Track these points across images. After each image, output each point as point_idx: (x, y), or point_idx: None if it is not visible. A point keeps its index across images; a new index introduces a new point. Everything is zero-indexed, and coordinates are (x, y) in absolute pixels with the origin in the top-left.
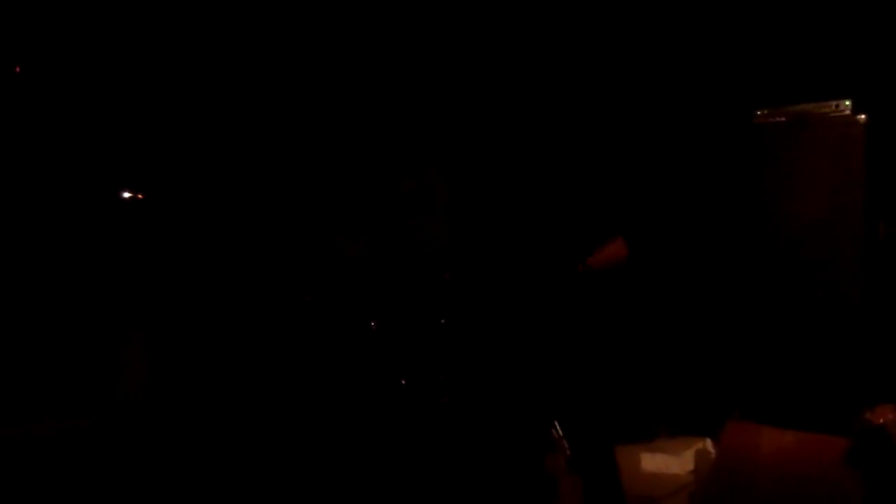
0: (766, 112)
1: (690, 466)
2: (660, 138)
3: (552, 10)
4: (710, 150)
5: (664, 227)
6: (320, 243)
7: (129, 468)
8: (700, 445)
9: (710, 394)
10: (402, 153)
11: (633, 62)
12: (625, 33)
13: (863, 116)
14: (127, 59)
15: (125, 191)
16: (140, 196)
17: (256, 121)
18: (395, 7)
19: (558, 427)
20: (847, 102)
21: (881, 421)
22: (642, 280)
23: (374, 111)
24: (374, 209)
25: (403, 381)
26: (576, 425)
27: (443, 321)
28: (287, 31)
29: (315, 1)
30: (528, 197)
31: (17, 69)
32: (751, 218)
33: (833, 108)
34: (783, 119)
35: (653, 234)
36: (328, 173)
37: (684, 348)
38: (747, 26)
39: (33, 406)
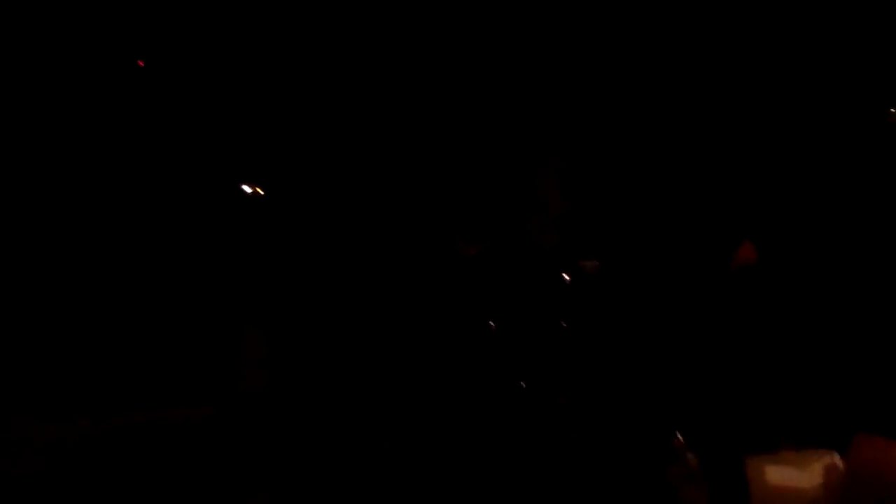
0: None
1: (818, 481)
2: (791, 138)
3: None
4: (844, 151)
5: (796, 231)
6: (439, 243)
7: (250, 458)
8: (828, 459)
9: (837, 405)
10: (515, 153)
11: (766, 61)
12: (760, 31)
13: None
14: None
15: (248, 184)
16: (261, 190)
17: (379, 119)
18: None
19: (681, 436)
20: None
21: None
22: (771, 286)
23: (489, 111)
24: (491, 210)
25: (523, 384)
26: (702, 434)
27: (565, 324)
28: (414, 31)
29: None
30: (650, 198)
31: (141, 63)
32: (888, 223)
33: None
34: None
35: (784, 239)
36: (445, 174)
37: (812, 357)
38: (885, 20)
39: (157, 394)
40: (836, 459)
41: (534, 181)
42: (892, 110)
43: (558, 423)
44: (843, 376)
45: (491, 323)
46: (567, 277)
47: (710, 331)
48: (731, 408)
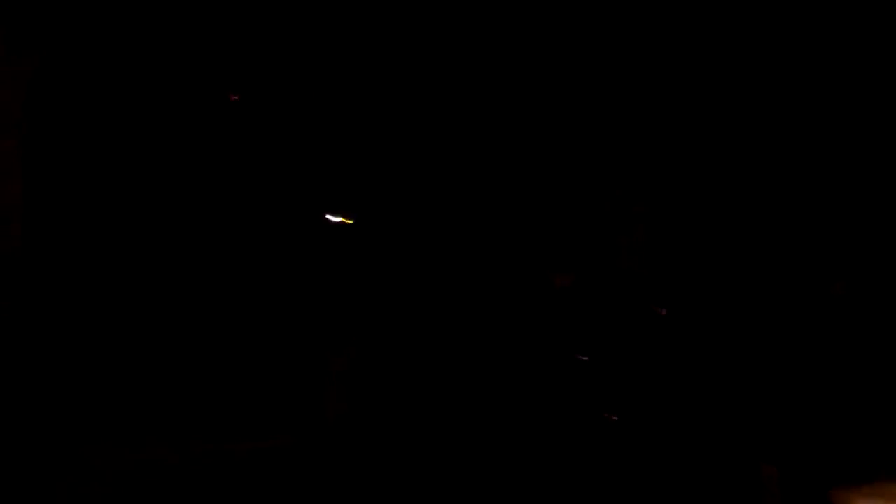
0: None
1: None
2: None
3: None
4: (870, 156)
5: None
6: (532, 274)
7: (334, 487)
8: None
9: None
10: (603, 183)
11: (787, 70)
12: (775, 40)
13: None
14: None
15: (334, 213)
16: (348, 219)
17: (477, 148)
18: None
19: (771, 468)
20: None
21: None
22: (862, 317)
23: (580, 142)
24: (581, 240)
25: (615, 417)
26: (791, 466)
27: (658, 356)
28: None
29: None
30: (735, 225)
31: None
32: None
33: None
34: None
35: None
36: (538, 204)
37: None
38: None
39: (240, 423)
40: None
41: (623, 213)
42: None
43: (649, 453)
44: None
45: (582, 356)
46: (660, 309)
47: (802, 359)
48: (822, 435)
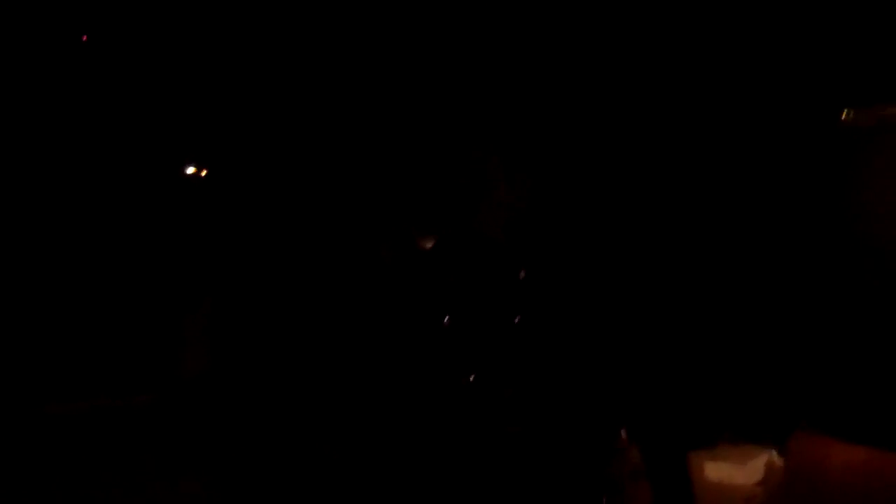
0: (852, 113)
1: (757, 477)
2: (738, 140)
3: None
4: (793, 155)
5: (740, 230)
6: (389, 235)
7: (190, 445)
8: (768, 456)
9: (775, 401)
10: (461, 143)
11: (714, 57)
12: (701, 28)
13: None
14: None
15: (188, 167)
16: (203, 173)
17: (331, 114)
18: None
19: (624, 433)
20: None
21: None
22: (712, 281)
23: (436, 104)
24: (439, 202)
25: (471, 377)
26: (645, 430)
27: (516, 320)
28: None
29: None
30: (600, 190)
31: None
32: (834, 226)
33: None
34: (873, 121)
35: (728, 237)
36: (394, 167)
37: (751, 351)
38: (833, 17)
39: (96, 382)
40: (776, 456)
41: (483, 173)
42: (844, 113)
43: (503, 417)
44: (783, 371)
45: (445, 317)
46: (520, 271)
47: (651, 324)
48: (673, 403)
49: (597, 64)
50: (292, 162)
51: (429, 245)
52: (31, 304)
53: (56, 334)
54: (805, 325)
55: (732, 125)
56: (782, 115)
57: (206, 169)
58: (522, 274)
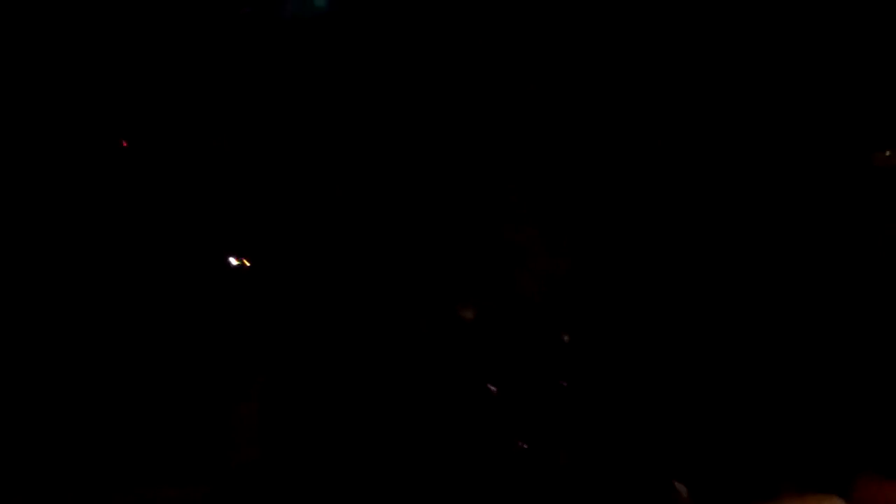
0: (887, 154)
1: None
2: (771, 184)
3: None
4: (825, 196)
5: (786, 276)
6: (427, 308)
7: None
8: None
9: (837, 447)
10: (498, 212)
11: (742, 99)
12: (732, 70)
13: None
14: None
15: (234, 256)
16: (247, 262)
17: (360, 181)
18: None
19: (684, 490)
20: None
21: None
22: (765, 330)
23: (471, 172)
24: (481, 271)
25: (524, 444)
26: (701, 482)
27: (564, 383)
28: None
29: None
30: (638, 255)
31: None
32: (875, 269)
33: None
34: None
35: (774, 283)
36: (429, 235)
37: (813, 398)
38: (866, 54)
39: (148, 472)
40: (839, 503)
41: (520, 241)
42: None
43: (560, 482)
44: (844, 417)
45: (491, 387)
46: (565, 336)
47: (707, 380)
48: (730, 453)
49: (635, 129)
50: (326, 245)
51: (469, 315)
52: (80, 389)
53: (104, 423)
54: (866, 368)
55: (768, 167)
56: (817, 154)
57: (253, 257)
58: (567, 338)
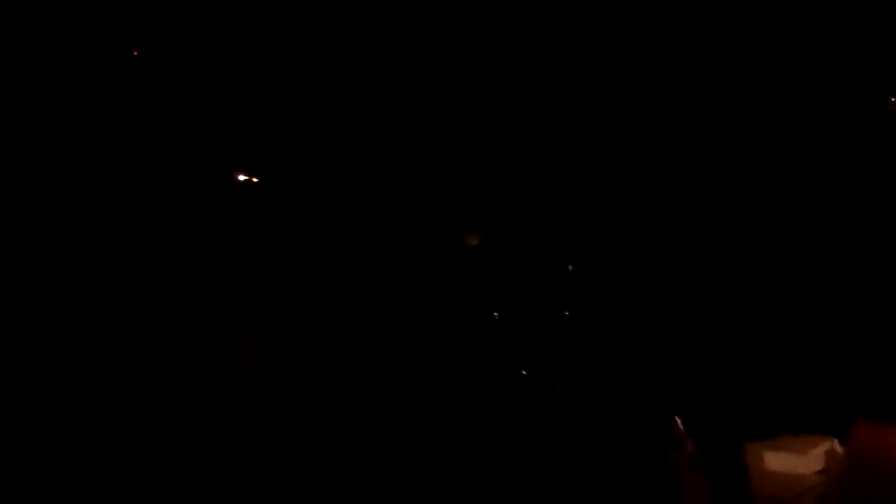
0: None
1: (818, 467)
2: (790, 130)
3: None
4: (843, 141)
5: (793, 222)
6: (438, 235)
7: (245, 447)
8: (828, 446)
9: (833, 391)
10: (507, 142)
11: (760, 49)
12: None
13: None
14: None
15: (243, 174)
16: (257, 179)
17: (376, 114)
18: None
19: (681, 423)
20: None
21: None
22: (769, 275)
23: (482, 103)
24: (488, 200)
25: (524, 372)
26: (701, 421)
27: (567, 313)
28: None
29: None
30: (648, 185)
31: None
32: (884, 213)
33: None
34: None
35: (781, 230)
36: (439, 166)
37: (808, 343)
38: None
39: (151, 385)
40: (836, 445)
41: (528, 169)
42: (893, 99)
43: (558, 411)
44: (842, 362)
45: (495, 313)
46: (569, 266)
47: (709, 317)
48: (730, 394)
49: (641, 74)
50: (343, 165)
51: (475, 242)
52: (85, 307)
53: (107, 338)
54: (863, 315)
55: (776, 116)
56: (828, 103)
57: (258, 176)
58: (571, 268)
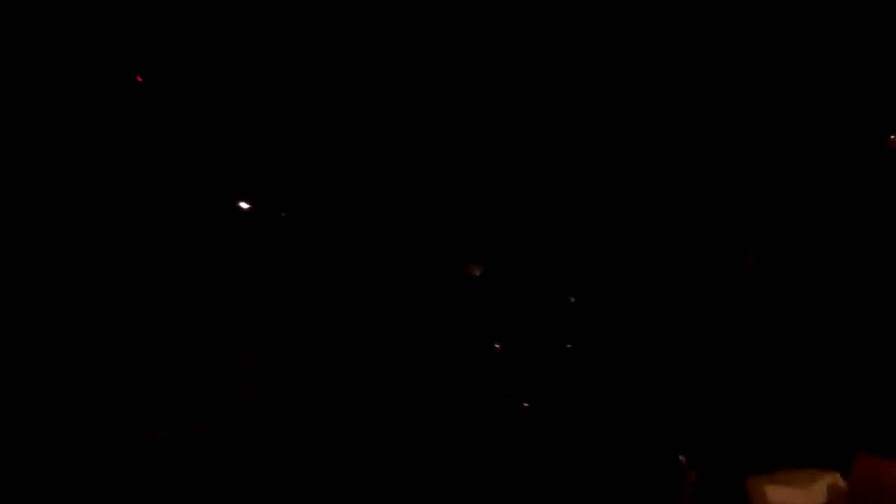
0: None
1: (820, 500)
2: (789, 163)
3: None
4: (841, 177)
5: (799, 253)
6: (443, 263)
7: (250, 473)
8: (830, 479)
9: (838, 425)
10: (512, 172)
11: (762, 86)
12: (751, 60)
13: None
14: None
15: (245, 200)
16: (261, 205)
17: (381, 139)
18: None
19: (684, 456)
20: None
21: None
22: (770, 307)
23: (485, 133)
24: (492, 229)
25: (525, 403)
26: (704, 453)
27: (569, 345)
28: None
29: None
30: (650, 214)
31: (139, 78)
32: (884, 248)
33: None
34: None
35: (785, 258)
36: (447, 194)
37: (809, 377)
38: (878, 42)
39: (155, 414)
40: (838, 479)
41: (531, 199)
42: (891, 137)
43: (563, 442)
44: (843, 396)
45: (496, 344)
46: (571, 297)
47: (711, 349)
48: (733, 427)
49: (640, 101)
50: (344, 190)
51: (477, 273)
52: (88, 333)
53: (112, 365)
54: (864, 347)
55: (778, 151)
56: (828, 139)
57: (265, 200)
58: (573, 299)
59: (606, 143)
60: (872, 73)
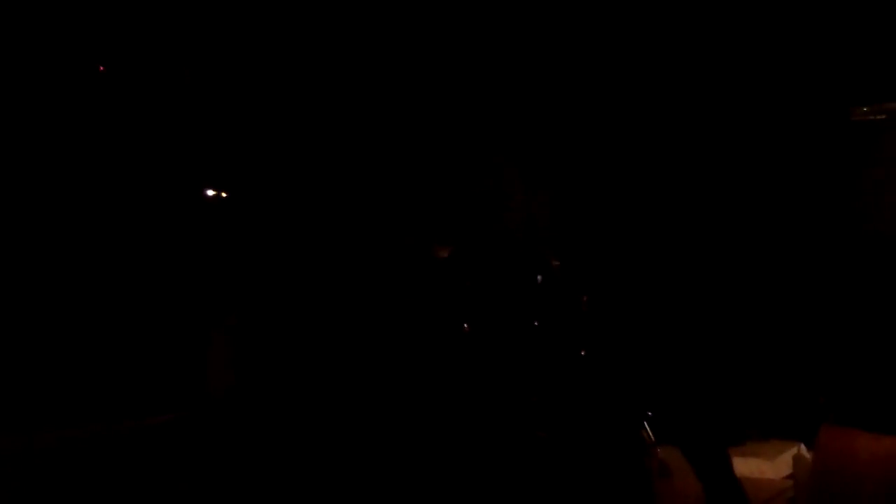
0: (864, 109)
1: (786, 471)
2: (754, 138)
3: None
4: (806, 149)
5: (761, 228)
6: (410, 245)
7: (216, 463)
8: (795, 450)
9: (800, 397)
10: (479, 152)
11: (730, 59)
12: (720, 30)
13: None
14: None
15: (212, 188)
16: (227, 194)
17: (348, 122)
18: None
19: (650, 430)
20: None
21: None
22: (737, 281)
23: (457, 115)
24: (460, 210)
25: (496, 382)
26: (678, 427)
27: (536, 323)
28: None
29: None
30: (616, 194)
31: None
32: (849, 219)
33: None
34: (883, 116)
35: (749, 235)
36: (412, 176)
37: (775, 349)
38: (844, 19)
39: (119, 402)
40: (803, 450)
41: (502, 181)
42: (855, 109)
43: (531, 421)
44: (809, 368)
45: (465, 324)
46: (539, 277)
47: (676, 323)
48: (697, 399)
49: (607, 73)
50: (315, 177)
51: (444, 254)
52: (55, 323)
53: (77, 354)
54: (828, 320)
55: (744, 125)
56: (794, 112)
57: (230, 189)
58: (541, 279)
59: (577, 126)
60: (838, 46)
